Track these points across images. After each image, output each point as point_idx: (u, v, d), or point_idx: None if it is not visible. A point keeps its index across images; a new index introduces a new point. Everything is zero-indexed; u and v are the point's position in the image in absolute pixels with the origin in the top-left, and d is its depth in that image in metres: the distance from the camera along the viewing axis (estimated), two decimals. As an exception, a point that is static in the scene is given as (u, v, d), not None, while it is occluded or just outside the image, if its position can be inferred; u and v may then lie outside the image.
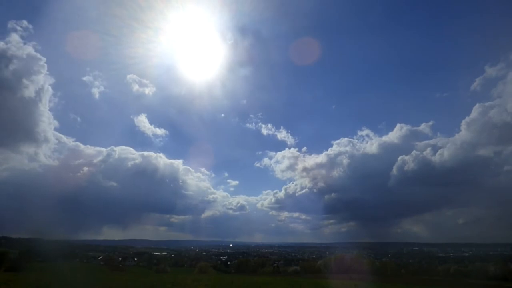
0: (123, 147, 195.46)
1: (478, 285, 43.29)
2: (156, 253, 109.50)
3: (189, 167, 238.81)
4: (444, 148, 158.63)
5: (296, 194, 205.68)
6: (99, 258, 79.67)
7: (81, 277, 29.08)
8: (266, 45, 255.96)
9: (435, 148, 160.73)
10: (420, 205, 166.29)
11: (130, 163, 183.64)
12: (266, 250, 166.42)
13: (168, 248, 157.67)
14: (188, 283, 25.74)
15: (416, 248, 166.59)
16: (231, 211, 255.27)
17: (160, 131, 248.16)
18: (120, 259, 78.69)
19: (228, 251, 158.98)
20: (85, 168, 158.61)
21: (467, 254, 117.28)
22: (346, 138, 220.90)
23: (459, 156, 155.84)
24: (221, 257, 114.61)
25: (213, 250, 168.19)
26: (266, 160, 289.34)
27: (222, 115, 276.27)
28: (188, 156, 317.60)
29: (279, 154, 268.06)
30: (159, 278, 32.19)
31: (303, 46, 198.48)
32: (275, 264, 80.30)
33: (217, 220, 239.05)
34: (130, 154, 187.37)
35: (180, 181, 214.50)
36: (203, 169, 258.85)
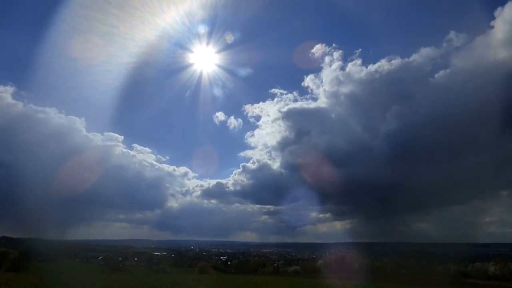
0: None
1: (478, 285, 43.37)
2: (156, 253, 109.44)
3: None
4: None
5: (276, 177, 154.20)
6: (99, 258, 79.69)
7: (81, 277, 29.14)
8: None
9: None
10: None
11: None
12: (266, 250, 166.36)
13: (168, 248, 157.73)
14: (188, 283, 25.84)
15: (416, 248, 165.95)
16: (209, 202, 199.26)
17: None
18: (120, 259, 78.74)
19: (228, 251, 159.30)
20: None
21: (467, 254, 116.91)
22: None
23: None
24: (221, 257, 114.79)
25: (213, 250, 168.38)
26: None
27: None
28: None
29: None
30: (159, 278, 32.30)
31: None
32: (275, 264, 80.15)
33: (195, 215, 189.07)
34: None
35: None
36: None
